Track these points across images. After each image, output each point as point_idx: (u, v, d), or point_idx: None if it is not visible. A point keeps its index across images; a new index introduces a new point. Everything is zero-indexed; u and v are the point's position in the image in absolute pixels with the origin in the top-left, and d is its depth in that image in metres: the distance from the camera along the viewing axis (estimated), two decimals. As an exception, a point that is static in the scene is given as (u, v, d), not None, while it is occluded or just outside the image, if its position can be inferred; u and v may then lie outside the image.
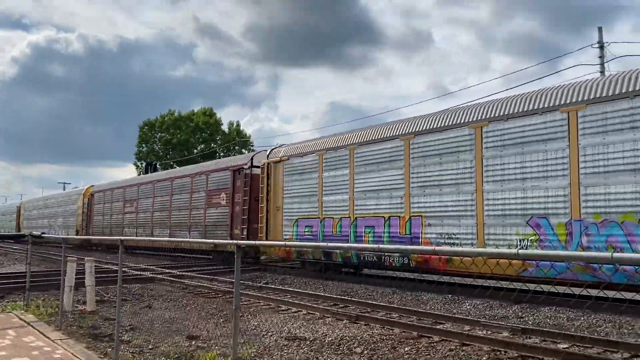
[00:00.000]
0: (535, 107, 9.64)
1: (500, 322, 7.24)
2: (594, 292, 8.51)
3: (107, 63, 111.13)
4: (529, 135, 9.64)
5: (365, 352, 5.95)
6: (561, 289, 8.67)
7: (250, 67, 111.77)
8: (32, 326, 7.07)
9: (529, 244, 9.48)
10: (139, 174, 44.44)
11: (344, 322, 7.77)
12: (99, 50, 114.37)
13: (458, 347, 6.17)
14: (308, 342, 6.37)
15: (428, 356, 5.81)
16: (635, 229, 8.25)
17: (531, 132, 9.62)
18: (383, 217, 12.18)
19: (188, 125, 52.12)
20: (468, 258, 9.67)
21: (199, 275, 12.93)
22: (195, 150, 52.35)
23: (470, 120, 10.67)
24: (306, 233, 14.05)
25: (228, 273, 13.91)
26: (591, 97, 8.93)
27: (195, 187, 18.78)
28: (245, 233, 15.71)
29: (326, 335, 6.80)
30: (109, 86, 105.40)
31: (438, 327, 7.10)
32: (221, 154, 50.36)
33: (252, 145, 53.58)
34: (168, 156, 52.26)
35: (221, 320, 7.83)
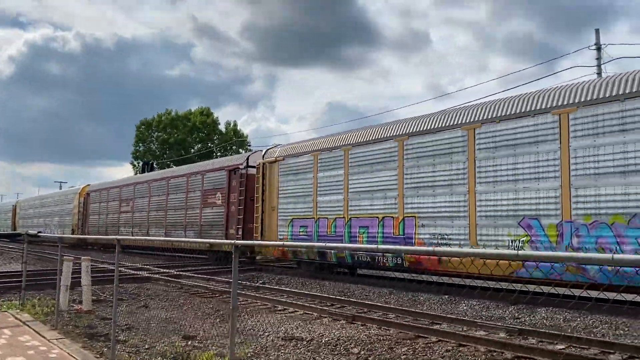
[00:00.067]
0: (527, 110, 9.74)
1: (497, 323, 7.26)
2: (591, 294, 8.57)
3: (104, 62, 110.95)
4: (521, 137, 9.74)
5: (362, 352, 5.94)
6: (560, 290, 8.68)
7: (248, 66, 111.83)
8: (27, 325, 7.06)
9: (520, 244, 9.58)
10: (136, 174, 44.45)
11: (340, 322, 7.78)
12: (96, 49, 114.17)
13: (455, 347, 6.17)
14: (305, 343, 6.38)
15: (425, 357, 5.81)
16: (625, 230, 8.36)
17: (523, 134, 9.72)
18: (377, 217, 12.27)
19: (185, 124, 52.11)
20: (456, 258, 9.80)
21: (195, 275, 12.97)
22: (192, 150, 52.35)
23: (463, 122, 10.77)
24: (301, 233, 14.12)
25: (224, 273, 13.92)
26: (582, 99, 9.04)
27: (191, 187, 18.84)
28: (240, 233, 15.78)
29: (323, 335, 6.81)
30: (106, 85, 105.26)
31: (435, 327, 7.10)
32: (218, 154, 50.37)
33: (249, 145, 53.63)
34: (165, 156, 52.25)
35: (217, 320, 7.84)
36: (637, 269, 7.99)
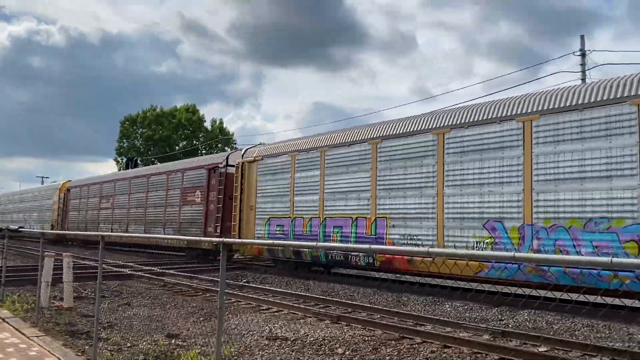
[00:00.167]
0: (494, 116, 10.11)
1: (480, 325, 7.34)
2: (573, 296, 8.61)
3: (89, 56, 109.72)
4: (487, 143, 10.11)
5: (347, 352, 5.94)
6: (542, 292, 8.83)
7: (235, 64, 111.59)
8: (7, 322, 6.96)
9: (484, 246, 9.94)
10: (120, 170, 44.24)
11: (325, 322, 7.77)
12: (81, 43, 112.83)
13: (440, 348, 6.21)
14: (289, 342, 6.36)
15: (410, 358, 5.81)
16: (581, 233, 8.76)
17: (489, 139, 10.09)
18: (351, 217, 12.56)
19: (170, 121, 51.97)
20: (429, 258, 10.15)
21: (178, 273, 12.96)
22: (177, 147, 52.20)
23: (433, 126, 11.11)
24: (277, 232, 14.37)
25: (208, 271, 13.94)
26: (544, 108, 9.43)
27: (171, 185, 18.97)
28: (219, 231, 15.98)
29: (307, 335, 6.79)
30: (91, 80, 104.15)
31: (420, 328, 7.14)
32: (203, 152, 50.34)
33: (235, 143, 53.67)
34: (149, 152, 52.04)
35: (201, 318, 7.82)
36: (582, 269, 8.41)
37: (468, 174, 10.33)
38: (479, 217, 10.07)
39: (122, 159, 50.71)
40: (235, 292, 10.37)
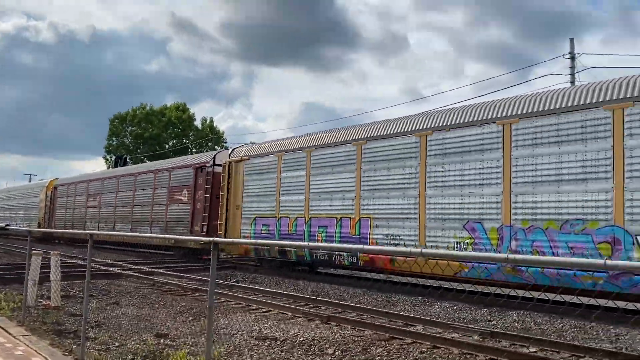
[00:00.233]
0: (475, 119, 10.30)
1: (470, 325, 7.37)
2: (562, 298, 8.58)
3: (78, 53, 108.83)
4: (468, 145, 10.30)
5: (337, 353, 5.92)
6: (535, 294, 8.84)
7: (226, 63, 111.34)
8: None
9: (464, 246, 10.13)
10: (109, 168, 44.03)
11: (315, 322, 7.75)
12: (70, 40, 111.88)
13: (429, 349, 6.23)
14: (279, 343, 6.34)
15: (400, 358, 5.82)
16: (557, 235, 8.98)
17: (470, 142, 10.28)
18: (335, 217, 12.71)
19: (160, 119, 51.80)
20: (411, 258, 10.32)
21: (168, 272, 12.92)
22: (167, 146, 52.04)
23: (416, 128, 11.28)
24: (263, 231, 14.48)
25: (197, 270, 13.92)
26: (524, 111, 9.63)
27: (158, 184, 19.00)
28: (205, 230, 16.04)
29: (297, 335, 6.76)
30: (80, 77, 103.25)
31: (409, 329, 7.15)
32: (193, 150, 50.25)
33: (226, 142, 53.58)
34: (139, 150, 51.83)
35: (190, 318, 7.77)
36: (559, 269, 8.63)
37: (449, 176, 10.52)
38: (459, 218, 10.26)
39: (111, 157, 50.47)
40: (224, 292, 10.36)
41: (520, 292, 9.29)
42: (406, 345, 6.40)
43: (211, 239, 4.27)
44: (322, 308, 8.97)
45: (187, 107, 54.03)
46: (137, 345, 5.88)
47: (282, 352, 5.93)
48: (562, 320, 8.04)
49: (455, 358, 5.89)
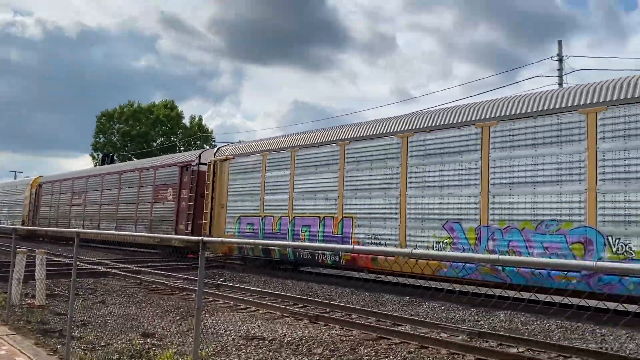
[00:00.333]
0: (454, 121, 10.49)
1: (458, 325, 7.40)
2: (550, 299, 8.56)
3: (65, 50, 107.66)
4: (448, 147, 10.48)
5: (325, 352, 5.89)
6: (512, 294, 8.92)
7: (215, 61, 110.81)
8: None
9: (443, 246, 10.32)
10: (95, 165, 43.73)
11: (303, 322, 7.72)
12: (58, 37, 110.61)
13: (417, 349, 6.23)
14: (267, 342, 6.32)
15: (387, 358, 5.82)
16: (533, 235, 9.19)
17: (450, 143, 10.46)
18: (319, 217, 12.83)
19: (148, 117, 51.51)
20: (391, 258, 10.48)
21: (154, 271, 12.85)
22: (154, 144, 51.79)
23: (398, 130, 11.45)
24: (247, 230, 14.56)
25: (184, 269, 13.88)
26: (502, 114, 9.83)
27: (143, 182, 18.98)
28: (190, 228, 16.08)
29: (285, 335, 6.75)
30: (67, 74, 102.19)
31: (397, 329, 7.16)
32: (182, 148, 50.06)
33: (214, 141, 53.43)
34: (126, 148, 51.50)
35: (177, 317, 7.71)
36: (533, 269, 8.84)
37: (429, 176, 10.69)
38: (438, 218, 10.44)
39: (98, 155, 50.09)
40: (212, 291, 10.32)
41: (512, 293, 9.19)
42: (394, 345, 6.41)
43: (200, 238, 4.23)
44: (311, 307, 8.96)
45: (176, 104, 53.83)
46: (124, 345, 5.83)
47: (269, 351, 5.91)
48: (549, 321, 8.16)
49: (443, 358, 5.91)
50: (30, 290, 8.94)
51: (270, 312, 8.52)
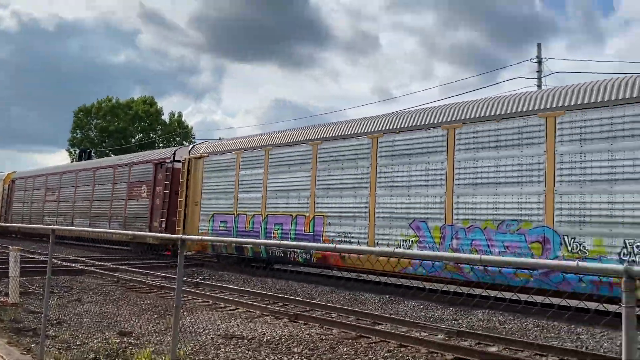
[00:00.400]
0: (422, 123, 10.76)
1: (437, 324, 7.47)
2: (523, 297, 8.76)
3: (42, 43, 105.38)
4: (415, 148, 10.75)
5: (304, 351, 5.87)
6: (492, 293, 9.07)
7: (195, 57, 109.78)
8: None
9: (410, 244, 10.59)
10: (72, 161, 43.10)
11: (283, 320, 7.74)
12: (34, 29, 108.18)
13: (396, 348, 6.25)
14: (246, 341, 6.27)
15: (366, 357, 5.83)
16: (494, 234, 9.52)
17: (417, 144, 10.74)
18: (291, 215, 13.00)
19: (127, 113, 50.96)
20: (363, 255, 10.72)
21: (132, 269, 12.74)
22: (133, 140, 51.25)
23: (368, 130, 11.68)
24: (221, 228, 14.64)
25: (163, 267, 13.82)
26: (466, 117, 10.14)
27: (118, 179, 18.90)
28: (164, 226, 16.09)
29: (264, 334, 6.73)
30: (44, 67, 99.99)
31: (377, 327, 7.20)
32: (161, 145, 49.65)
33: (194, 137, 53.16)
34: (104, 144, 50.88)
35: (155, 316, 7.65)
36: (500, 268, 9.16)
37: (398, 177, 10.96)
38: (406, 217, 10.71)
39: (75, 151, 49.36)
40: (191, 290, 10.28)
41: (493, 293, 9.28)
42: (374, 344, 6.44)
43: (180, 236, 4.20)
44: (290, 306, 8.98)
45: (155, 100, 53.35)
46: (100, 344, 5.77)
47: (248, 350, 5.88)
48: (526, 320, 8.29)
49: (422, 357, 5.94)
50: (3, 288, 8.85)
51: (250, 311, 8.50)
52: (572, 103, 9.01)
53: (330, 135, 12.49)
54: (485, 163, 9.76)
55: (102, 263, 13.56)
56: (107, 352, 5.42)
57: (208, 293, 9.97)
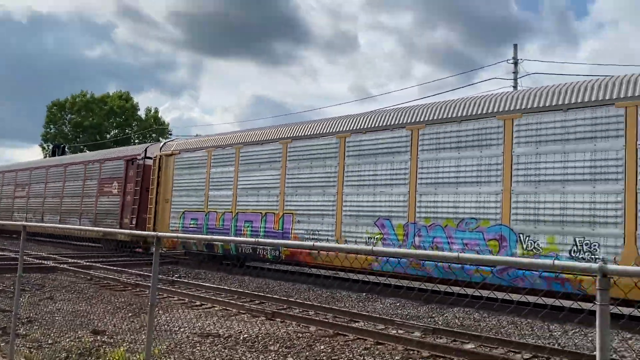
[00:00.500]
0: (388, 124, 11.04)
1: (413, 322, 7.53)
2: (499, 295, 8.81)
3: (14, 36, 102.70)
4: (381, 148, 11.03)
5: (281, 349, 5.87)
6: (469, 290, 9.08)
7: (172, 53, 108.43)
8: None
9: (374, 241, 10.86)
10: (46, 157, 42.32)
11: (260, 318, 7.72)
12: (6, 21, 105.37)
13: (373, 345, 6.29)
14: (222, 339, 6.22)
15: (343, 354, 5.85)
16: (454, 232, 9.85)
17: (383, 144, 11.01)
18: (261, 213, 13.15)
19: (101, 108, 50.18)
20: (332, 253, 10.94)
21: (106, 267, 12.57)
22: (108, 135, 50.55)
23: (337, 130, 11.91)
24: (191, 225, 14.70)
25: (138, 265, 13.75)
26: (429, 118, 10.44)
27: (89, 175, 18.75)
28: (134, 222, 16.05)
29: (241, 332, 6.67)
30: (16, 61, 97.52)
31: (354, 325, 7.23)
32: (137, 141, 49.05)
33: (170, 134, 52.66)
34: (78, 139, 50.04)
35: (129, 314, 7.58)
36: (463, 265, 9.49)
37: (364, 175, 11.21)
38: (371, 214, 10.98)
39: (48, 146, 48.46)
40: (166, 288, 10.22)
41: (470, 291, 9.55)
42: (350, 342, 6.47)
43: (155, 233, 4.17)
44: (268, 304, 8.97)
45: (131, 96, 52.65)
46: (72, 343, 5.66)
47: (225, 349, 5.82)
48: (500, 317, 8.45)
49: (398, 354, 5.96)
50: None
51: (227, 309, 8.45)
52: (529, 106, 9.39)
53: (300, 135, 12.68)
54: (447, 163, 10.09)
55: (76, 260, 13.39)
56: (79, 351, 5.33)
57: (184, 291, 9.93)
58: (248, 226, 13.36)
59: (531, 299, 8.60)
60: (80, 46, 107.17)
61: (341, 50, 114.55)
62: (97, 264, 12.94)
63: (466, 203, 9.79)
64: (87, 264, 12.92)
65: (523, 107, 9.44)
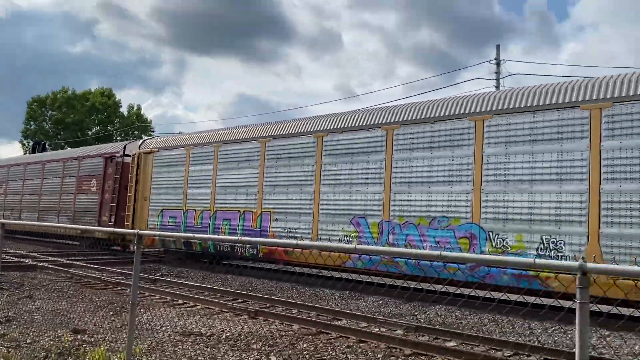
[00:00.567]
0: (364, 124, 11.22)
1: (396, 320, 7.57)
2: (481, 293, 8.92)
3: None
4: (358, 147, 11.20)
5: (264, 348, 5.88)
6: (452, 289, 9.42)
7: (156, 50, 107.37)
8: None
9: (350, 239, 11.04)
10: (25, 154, 41.73)
11: (242, 317, 7.69)
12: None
13: (356, 343, 6.31)
14: (204, 338, 6.20)
15: (326, 352, 5.85)
16: (427, 230, 10.07)
17: (359, 144, 11.19)
18: (239, 211, 13.24)
19: (83, 104, 49.61)
20: (307, 250, 11.07)
21: (87, 265, 12.51)
22: (90, 132, 49.98)
23: (314, 130, 12.06)
24: (170, 223, 14.72)
25: (119, 263, 13.67)
26: (404, 119, 10.65)
27: (67, 172, 18.62)
28: (113, 220, 16.01)
29: (224, 330, 6.66)
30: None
31: (336, 323, 7.25)
32: (118, 138, 48.62)
33: (153, 131, 52.31)
34: (59, 136, 49.40)
35: (110, 313, 7.54)
36: (433, 262, 9.71)
37: (341, 174, 11.38)
38: (347, 213, 11.15)
39: (28, 143, 47.79)
40: (148, 286, 10.14)
41: (452, 289, 9.65)
42: (333, 340, 6.49)
43: (136, 231, 4.10)
44: (251, 303, 8.94)
45: (113, 92, 52.13)
46: (52, 342, 5.61)
47: (207, 347, 5.81)
48: (481, 315, 8.54)
49: (380, 352, 5.99)
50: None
51: (209, 308, 8.42)
52: (499, 108, 9.64)
53: (278, 134, 12.79)
54: (420, 163, 10.30)
55: (56, 259, 13.27)
56: (59, 351, 5.25)
57: (166, 290, 9.89)
58: (226, 224, 13.43)
59: (512, 297, 8.95)
60: (62, 42, 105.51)
61: (325, 48, 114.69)
62: (78, 262, 12.87)
63: (438, 202, 10.01)
64: (68, 262, 12.84)
65: (493, 108, 9.69)
